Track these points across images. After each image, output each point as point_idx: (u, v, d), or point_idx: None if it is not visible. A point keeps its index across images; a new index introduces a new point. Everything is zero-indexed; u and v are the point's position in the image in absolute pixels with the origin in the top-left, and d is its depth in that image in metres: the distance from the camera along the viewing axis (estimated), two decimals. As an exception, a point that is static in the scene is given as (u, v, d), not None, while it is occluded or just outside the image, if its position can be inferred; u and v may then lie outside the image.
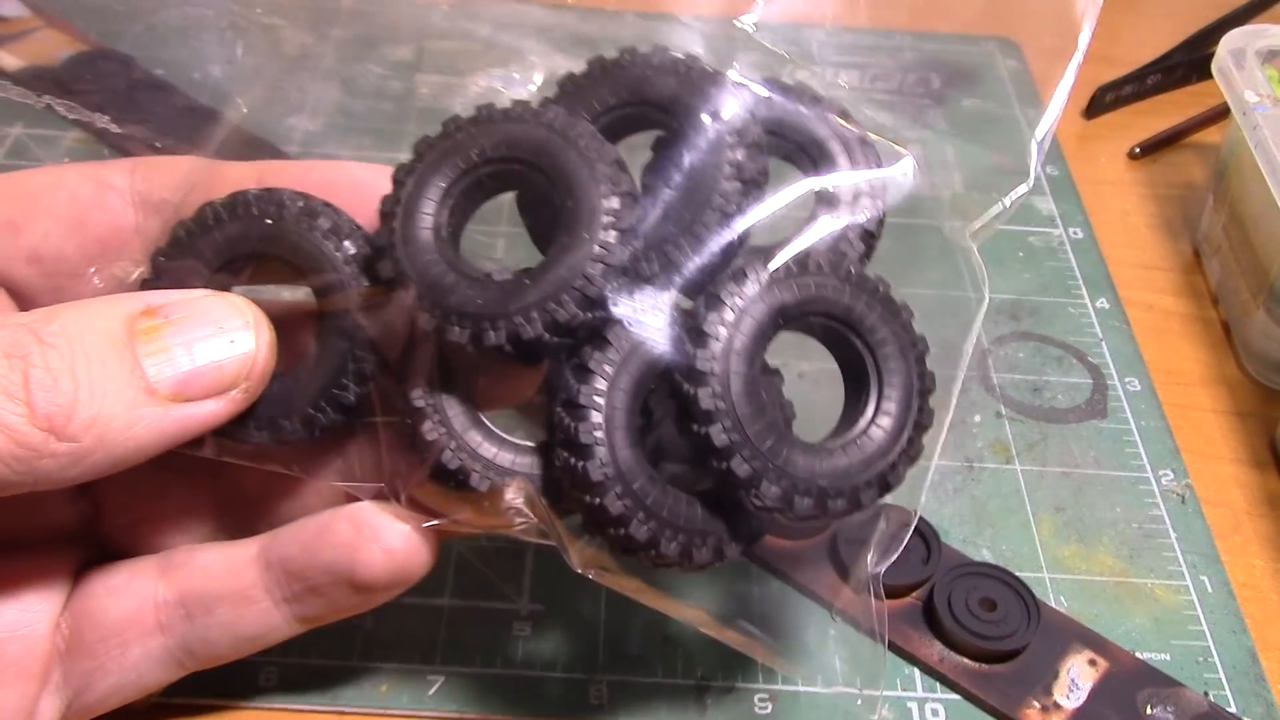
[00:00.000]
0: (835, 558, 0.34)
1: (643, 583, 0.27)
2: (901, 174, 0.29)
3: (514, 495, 0.26)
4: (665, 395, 0.25)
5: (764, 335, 0.25)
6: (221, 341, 0.24)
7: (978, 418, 0.40)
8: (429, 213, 0.25)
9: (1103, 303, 0.45)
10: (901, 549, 0.28)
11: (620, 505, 0.24)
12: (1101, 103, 0.54)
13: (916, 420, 0.26)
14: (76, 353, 0.23)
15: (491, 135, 0.25)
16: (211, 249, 0.26)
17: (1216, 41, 0.44)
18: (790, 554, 0.34)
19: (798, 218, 0.27)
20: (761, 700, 0.31)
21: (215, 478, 0.29)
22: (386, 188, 0.26)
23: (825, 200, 0.28)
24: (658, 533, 0.25)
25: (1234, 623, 0.34)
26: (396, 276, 0.25)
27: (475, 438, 0.26)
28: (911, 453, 0.26)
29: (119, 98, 0.46)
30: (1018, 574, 0.34)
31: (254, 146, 0.33)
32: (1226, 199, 0.45)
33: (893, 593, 0.34)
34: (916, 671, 0.33)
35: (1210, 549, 0.36)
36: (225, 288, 0.26)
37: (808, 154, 0.29)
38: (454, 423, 0.26)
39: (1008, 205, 0.31)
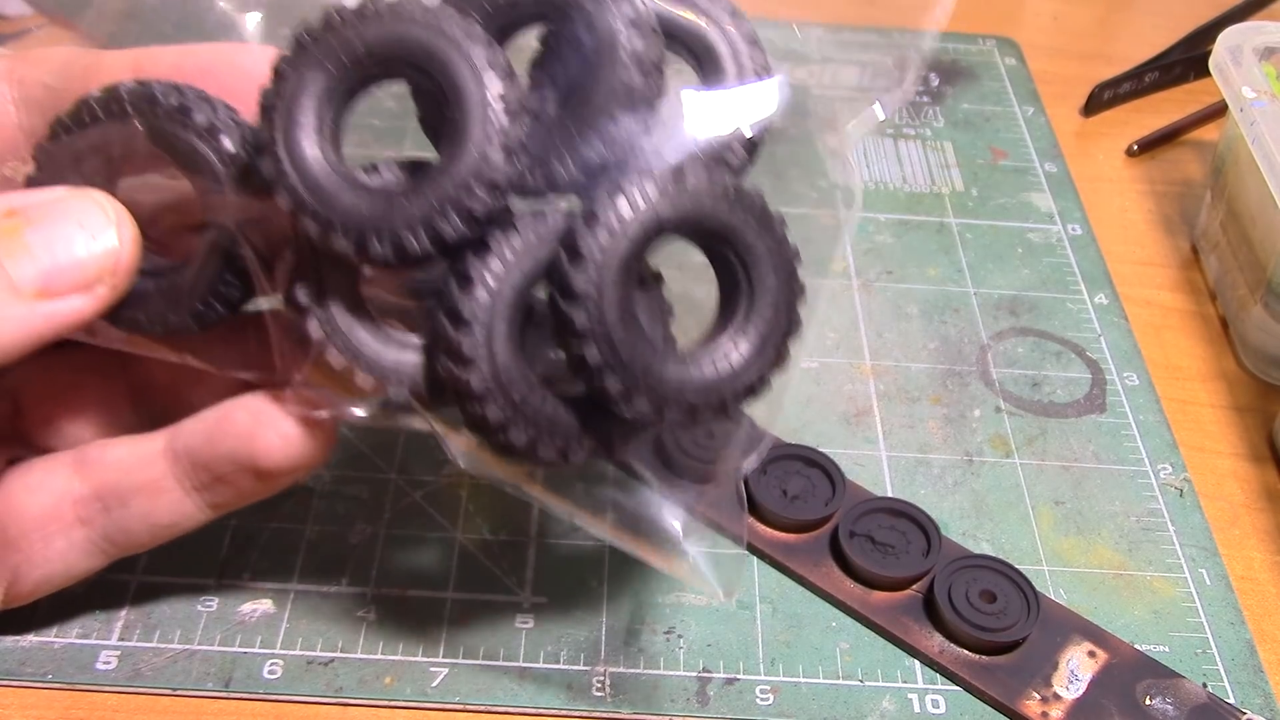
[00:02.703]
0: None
1: (522, 479, 0.28)
2: (780, 88, 0.28)
3: (397, 393, 0.26)
4: (545, 305, 0.26)
5: (641, 249, 0.25)
6: (83, 237, 0.25)
7: (977, 412, 0.40)
8: (311, 110, 0.25)
9: (1101, 298, 0.45)
10: (764, 453, 0.29)
11: (500, 414, 0.25)
12: (1099, 100, 0.55)
13: (785, 330, 0.27)
14: None
15: (378, 33, 0.25)
16: (89, 146, 0.26)
17: (1214, 39, 0.45)
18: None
19: (677, 123, 0.27)
20: (763, 691, 0.32)
21: (127, 371, 0.30)
22: (267, 71, 0.25)
23: (707, 104, 0.27)
24: (536, 438, 0.25)
25: (1232, 615, 0.35)
26: (278, 178, 0.24)
27: (360, 335, 0.26)
28: (780, 361, 0.27)
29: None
30: (1017, 567, 0.34)
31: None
32: (1224, 195, 0.46)
33: (893, 585, 0.34)
34: (917, 663, 0.33)
35: (1208, 542, 0.37)
36: (107, 183, 0.26)
37: (694, 55, 0.28)
38: (338, 320, 0.26)
39: (883, 109, 0.30)
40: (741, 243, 0.26)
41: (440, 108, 0.25)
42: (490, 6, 0.26)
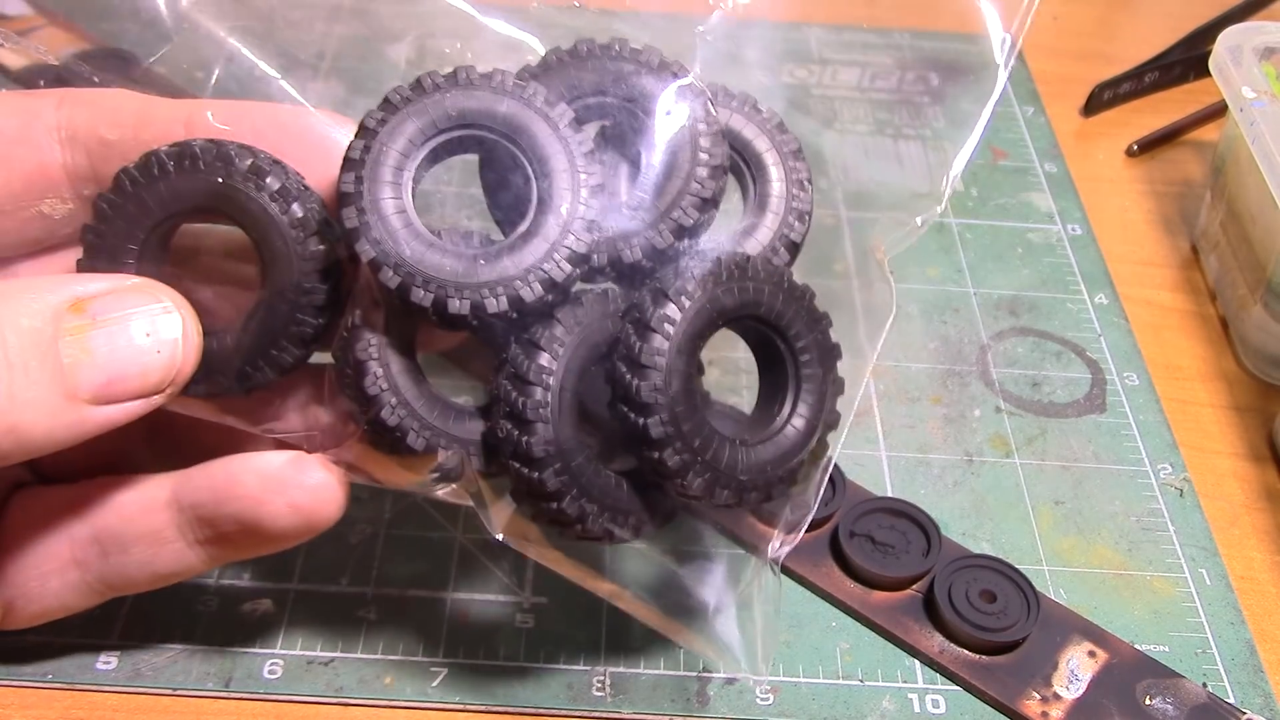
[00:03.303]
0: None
1: (561, 554, 0.28)
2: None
3: (448, 459, 0.26)
4: (602, 378, 0.26)
5: (705, 334, 0.26)
6: (149, 348, 0.24)
7: (977, 412, 0.40)
8: (396, 166, 0.25)
9: (1101, 298, 0.45)
10: (800, 536, 0.29)
11: (557, 482, 0.25)
12: (1099, 100, 0.55)
13: (826, 421, 0.28)
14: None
15: (471, 99, 0.25)
16: (155, 201, 0.26)
17: (1214, 39, 0.45)
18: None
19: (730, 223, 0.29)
20: (763, 691, 0.32)
21: None
22: (321, 136, 0.26)
23: (759, 208, 0.29)
24: (587, 510, 0.26)
25: (1232, 615, 0.35)
26: (362, 229, 0.25)
27: (415, 396, 0.26)
28: (818, 451, 0.28)
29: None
30: (1017, 567, 0.34)
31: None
32: (1224, 195, 0.46)
33: (893, 585, 0.34)
34: (917, 663, 0.33)
35: (1208, 542, 0.37)
36: (164, 240, 0.26)
37: (745, 162, 0.29)
38: (397, 380, 0.26)
39: (919, 225, 0.32)
40: (792, 334, 0.27)
41: (510, 182, 0.26)
42: (569, 92, 0.27)
